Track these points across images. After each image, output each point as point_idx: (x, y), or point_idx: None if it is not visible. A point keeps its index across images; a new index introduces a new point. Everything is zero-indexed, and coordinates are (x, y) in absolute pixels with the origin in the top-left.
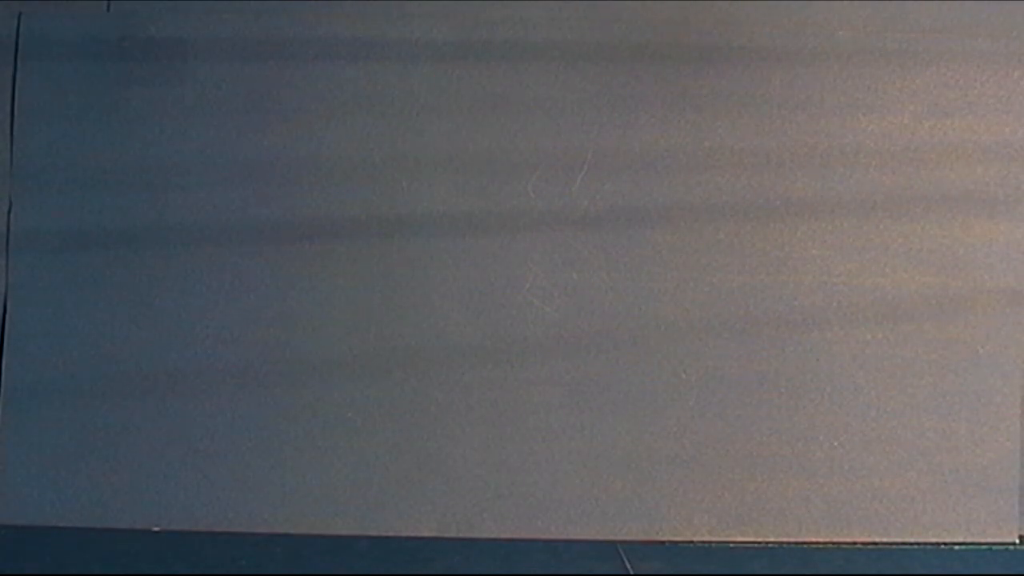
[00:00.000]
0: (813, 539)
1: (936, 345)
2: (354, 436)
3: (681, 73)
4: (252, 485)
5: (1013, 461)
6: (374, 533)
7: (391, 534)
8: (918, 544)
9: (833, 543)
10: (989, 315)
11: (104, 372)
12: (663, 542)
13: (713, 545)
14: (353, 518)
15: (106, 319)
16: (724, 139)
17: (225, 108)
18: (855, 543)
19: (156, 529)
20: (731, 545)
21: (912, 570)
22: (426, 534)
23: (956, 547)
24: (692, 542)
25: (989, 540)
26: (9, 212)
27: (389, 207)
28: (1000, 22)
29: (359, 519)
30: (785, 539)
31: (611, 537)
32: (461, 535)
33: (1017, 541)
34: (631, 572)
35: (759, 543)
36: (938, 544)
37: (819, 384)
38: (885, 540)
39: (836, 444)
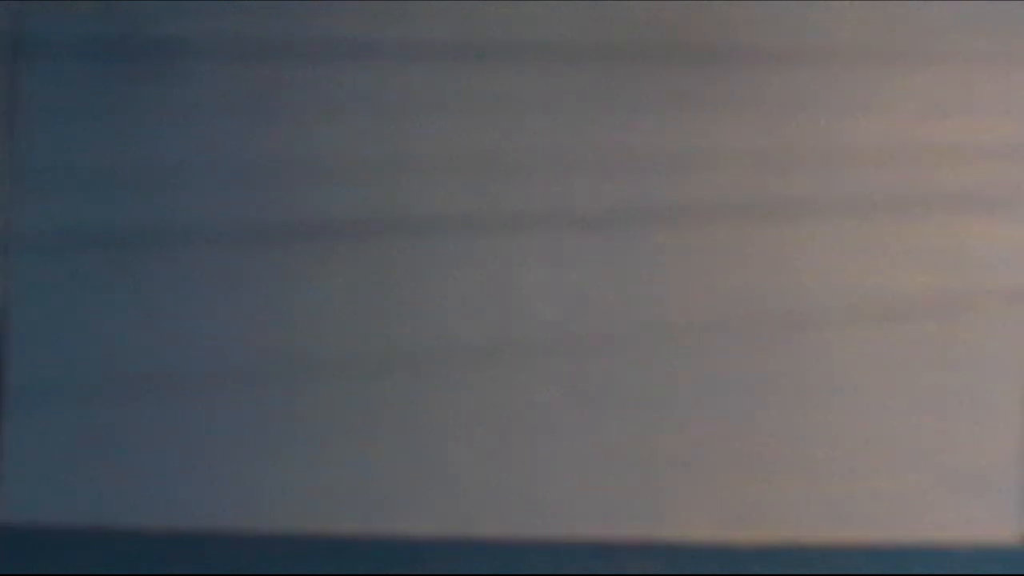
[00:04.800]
0: (813, 539)
1: (936, 345)
2: (354, 436)
3: (681, 73)
4: (252, 485)
5: (1013, 461)
6: (374, 533)
7: (391, 534)
8: (918, 544)
9: (833, 543)
10: (989, 315)
11: (104, 372)
12: (663, 542)
13: (713, 545)
14: (353, 518)
15: (106, 319)
16: (724, 139)
17: (225, 108)
18: (855, 543)
19: (156, 529)
20: (731, 545)
21: (912, 570)
22: (426, 534)
23: (956, 547)
24: (692, 542)
25: (989, 540)
26: (9, 212)
27: (389, 207)
28: (1000, 22)
29: (359, 519)
30: (785, 539)
31: (611, 537)
32: (461, 535)
33: (1017, 541)
34: (630, 572)
35: (759, 543)
36: (938, 544)
37: (819, 384)
38: (885, 540)
39: (836, 444)
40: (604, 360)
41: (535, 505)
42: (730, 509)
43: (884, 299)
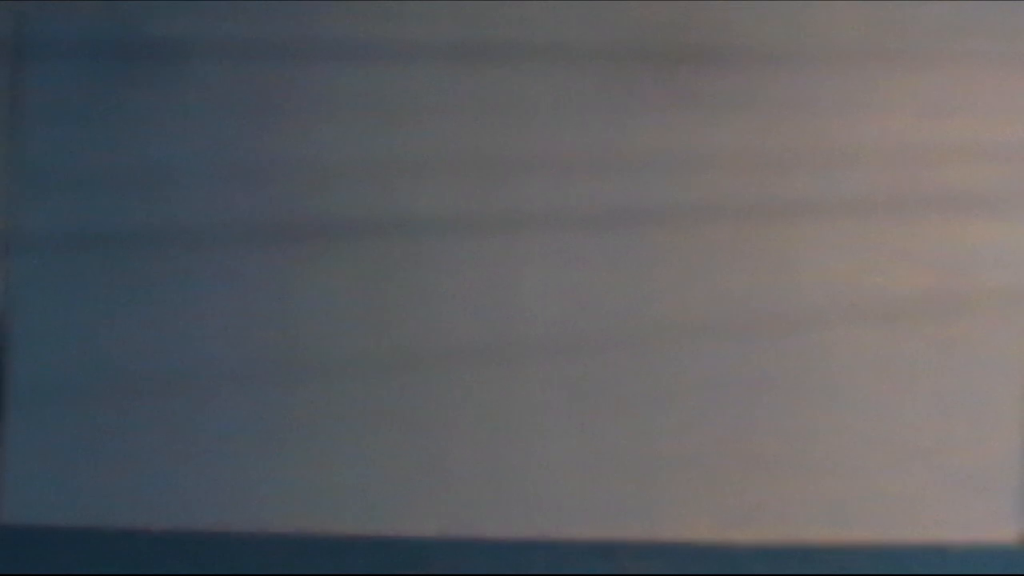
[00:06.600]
0: (813, 539)
1: (936, 345)
2: (354, 436)
3: (681, 73)
4: (252, 485)
5: (1013, 461)
6: (374, 533)
7: (391, 534)
8: (918, 544)
9: (833, 543)
10: (989, 315)
11: (104, 372)
12: (663, 542)
13: (713, 545)
14: (353, 518)
15: (106, 319)
16: (724, 139)
17: (225, 108)
18: (855, 543)
19: (156, 529)
20: (731, 545)
21: (912, 570)
22: (426, 534)
23: (956, 547)
24: (692, 542)
25: (989, 540)
26: (10, 212)
27: (389, 207)
28: (1000, 22)
29: (359, 519)
30: (785, 539)
31: (611, 537)
32: (461, 535)
33: (1017, 541)
34: (631, 572)
35: (759, 543)
36: (938, 544)
37: (819, 384)
38: (885, 540)
39: (836, 444)
40: (604, 360)
41: (535, 505)
42: (730, 509)
43: (884, 299)
